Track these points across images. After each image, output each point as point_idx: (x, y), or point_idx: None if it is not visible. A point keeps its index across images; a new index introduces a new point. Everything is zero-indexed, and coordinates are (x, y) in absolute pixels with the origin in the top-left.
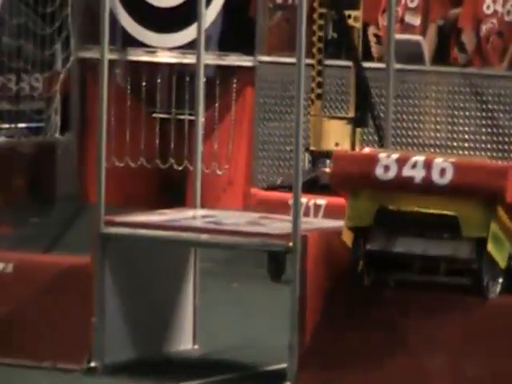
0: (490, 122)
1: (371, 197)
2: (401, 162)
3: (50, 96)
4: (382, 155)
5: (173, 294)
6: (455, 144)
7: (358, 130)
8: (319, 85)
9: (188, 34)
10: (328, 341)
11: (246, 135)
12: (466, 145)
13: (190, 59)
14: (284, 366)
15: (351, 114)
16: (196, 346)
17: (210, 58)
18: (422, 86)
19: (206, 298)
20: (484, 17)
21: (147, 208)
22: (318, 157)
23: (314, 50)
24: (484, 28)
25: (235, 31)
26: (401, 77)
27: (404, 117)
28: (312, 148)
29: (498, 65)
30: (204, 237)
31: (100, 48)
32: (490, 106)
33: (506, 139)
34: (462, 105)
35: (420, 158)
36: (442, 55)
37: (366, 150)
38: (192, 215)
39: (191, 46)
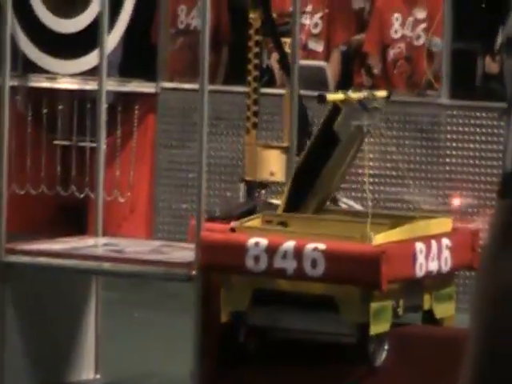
0: (396, 149)
1: (244, 282)
2: (270, 252)
3: None
4: (251, 243)
5: (75, 323)
6: (360, 171)
7: (295, 158)
8: (255, 114)
9: (89, 60)
10: (231, 371)
11: (147, 162)
12: (372, 172)
13: (91, 85)
14: None
15: (286, 143)
16: (98, 376)
17: (112, 84)
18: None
19: (108, 327)
20: (391, 41)
21: (48, 235)
22: (254, 187)
23: (250, 78)
24: (391, 53)
25: (136, 57)
26: (306, 103)
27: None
28: (247, 178)
29: (403, 90)
30: (106, 265)
31: (1, 74)
32: (395, 133)
33: (412, 166)
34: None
35: (290, 247)
36: (346, 81)
37: (234, 224)
38: (94, 243)
39: (92, 73)
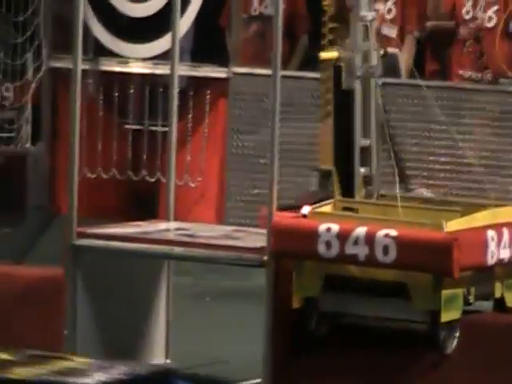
0: (467, 137)
1: (316, 268)
2: (342, 238)
3: (21, 106)
4: (322, 228)
5: (145, 307)
6: (431, 158)
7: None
8: (328, 102)
9: (161, 44)
10: (302, 356)
11: (219, 147)
12: (443, 159)
13: (162, 70)
14: (258, 381)
15: None
16: (168, 361)
17: (184, 69)
18: (398, 99)
19: (178, 312)
20: (462, 21)
21: (119, 220)
22: (327, 176)
23: (323, 66)
24: (461, 32)
25: (207, 42)
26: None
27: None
28: (321, 167)
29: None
30: (178, 249)
31: (73, 58)
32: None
33: (484, 153)
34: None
35: (361, 232)
36: (418, 68)
37: (305, 209)
38: (165, 227)
39: (164, 57)
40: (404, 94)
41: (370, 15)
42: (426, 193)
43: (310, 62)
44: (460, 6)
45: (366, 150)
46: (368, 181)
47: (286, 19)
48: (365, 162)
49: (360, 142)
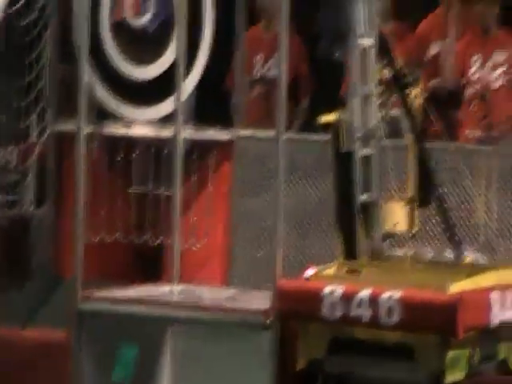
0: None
1: (321, 330)
2: (346, 300)
3: (25, 168)
4: (327, 291)
5: (150, 371)
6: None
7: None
8: None
9: (165, 106)
10: None
11: (223, 209)
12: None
13: (167, 133)
14: None
15: (410, 194)
16: None
17: (188, 132)
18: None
19: (183, 376)
20: (469, 82)
21: (122, 283)
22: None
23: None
24: (467, 93)
25: (211, 104)
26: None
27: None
28: None
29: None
30: (182, 313)
31: (77, 121)
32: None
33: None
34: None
35: (365, 295)
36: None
37: (309, 272)
38: (169, 290)
39: (168, 119)
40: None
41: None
42: (480, 259)
43: (311, 124)
44: (467, 67)
45: (368, 211)
46: (370, 242)
47: (289, 81)
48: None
49: (359, 203)
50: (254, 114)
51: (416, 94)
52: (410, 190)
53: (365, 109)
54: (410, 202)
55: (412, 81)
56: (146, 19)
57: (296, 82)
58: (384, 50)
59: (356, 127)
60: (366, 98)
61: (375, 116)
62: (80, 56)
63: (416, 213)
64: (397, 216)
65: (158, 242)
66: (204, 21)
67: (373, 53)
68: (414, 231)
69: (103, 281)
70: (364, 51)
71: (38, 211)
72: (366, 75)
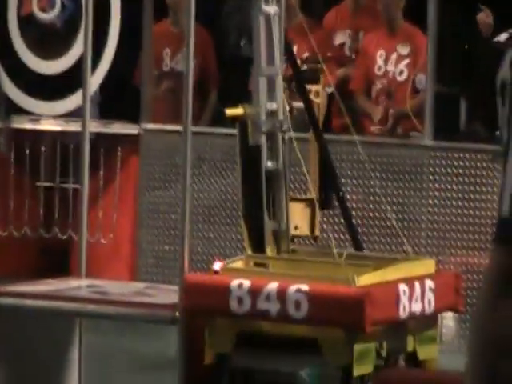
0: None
1: (228, 324)
2: (254, 294)
3: None
4: (234, 285)
5: (59, 365)
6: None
7: (319, 212)
8: None
9: (72, 101)
10: None
11: (130, 204)
12: (354, 213)
13: (74, 127)
14: None
15: (312, 196)
16: None
17: (95, 126)
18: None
19: (91, 370)
20: (375, 78)
21: (30, 278)
22: None
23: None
24: (375, 89)
25: (118, 98)
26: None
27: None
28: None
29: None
30: (90, 307)
31: None
32: (378, 175)
33: (395, 207)
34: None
35: (273, 288)
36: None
37: (217, 265)
38: (77, 285)
39: (75, 114)
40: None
41: (272, 69)
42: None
43: (220, 117)
44: (372, 63)
45: (275, 205)
46: (276, 236)
47: (197, 75)
48: (274, 216)
49: (266, 196)
50: (163, 108)
51: (316, 91)
52: (312, 190)
53: (271, 96)
54: (311, 203)
55: (313, 77)
56: (53, 13)
57: (204, 76)
58: (285, 46)
59: (263, 120)
60: (273, 81)
61: (282, 108)
62: None
63: (317, 215)
64: (297, 218)
65: (66, 236)
66: (111, 15)
67: (278, 22)
68: (315, 234)
69: (11, 276)
70: (268, 19)
71: None
72: (271, 50)
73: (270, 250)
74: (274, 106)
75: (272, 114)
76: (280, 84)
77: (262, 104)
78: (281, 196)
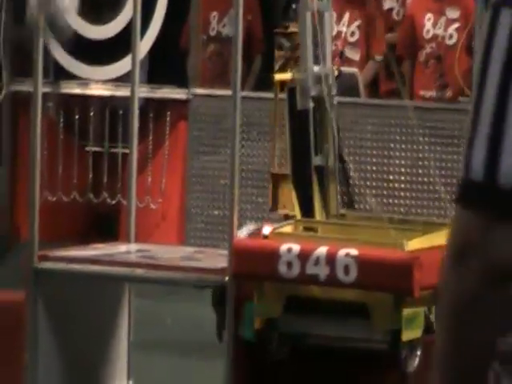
0: (429, 155)
1: (277, 289)
2: (303, 258)
3: None
4: (283, 249)
5: (108, 330)
6: (391, 177)
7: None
8: None
9: (121, 66)
10: (263, 378)
11: (179, 169)
12: (403, 178)
13: (122, 92)
14: None
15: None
16: (131, 382)
17: (144, 91)
18: (358, 119)
19: (141, 335)
20: (423, 42)
21: (79, 243)
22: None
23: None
24: (424, 53)
25: (166, 63)
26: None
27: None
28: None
29: (433, 90)
30: (139, 271)
31: (33, 81)
32: (427, 139)
33: (444, 172)
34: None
35: (322, 253)
36: (375, 87)
37: (266, 230)
38: (126, 250)
39: (124, 79)
40: (363, 113)
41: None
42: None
43: (264, 83)
44: (420, 26)
45: (323, 170)
46: (325, 200)
47: (243, 40)
48: (322, 181)
49: (315, 161)
50: (209, 72)
51: None
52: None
53: (319, 65)
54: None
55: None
56: None
57: (249, 41)
58: None
59: (311, 86)
60: (321, 54)
61: (330, 72)
62: (37, 15)
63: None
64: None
65: (115, 201)
66: None
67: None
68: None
69: (60, 241)
70: None
71: None
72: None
73: (319, 215)
74: (320, 70)
75: (320, 79)
76: (329, 49)
77: (309, 69)
78: (330, 161)
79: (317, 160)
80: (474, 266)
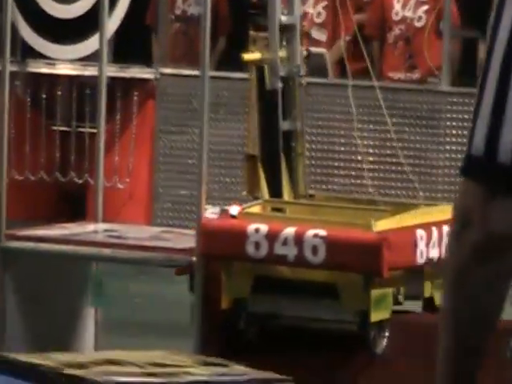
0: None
1: (245, 269)
2: (271, 238)
3: None
4: (251, 229)
5: (75, 309)
6: (359, 158)
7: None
8: None
9: (88, 45)
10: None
11: (147, 148)
12: (371, 159)
13: (90, 71)
14: None
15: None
16: None
17: (112, 71)
18: (325, 99)
19: (107, 314)
20: (392, 23)
21: (47, 221)
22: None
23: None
24: (392, 34)
25: (132, 41)
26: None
27: (313, 130)
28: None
29: (402, 72)
30: (106, 251)
31: (1, 60)
32: (395, 120)
33: (412, 153)
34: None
35: (290, 233)
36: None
37: (234, 210)
38: (93, 229)
39: (91, 58)
40: (331, 93)
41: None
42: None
43: (228, 62)
44: (389, 8)
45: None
46: (293, 181)
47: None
48: (290, 162)
49: (284, 126)
50: (174, 51)
51: None
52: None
53: (288, 44)
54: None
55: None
56: None
57: (215, 20)
58: None
59: (279, 65)
60: (290, 30)
61: (298, 52)
62: None
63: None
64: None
65: (82, 180)
66: None
67: None
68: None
69: (27, 220)
70: None
71: None
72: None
73: (287, 195)
74: (291, 48)
75: (288, 59)
76: (297, 30)
77: (276, 49)
78: (296, 142)
79: (285, 125)
80: (471, 237)
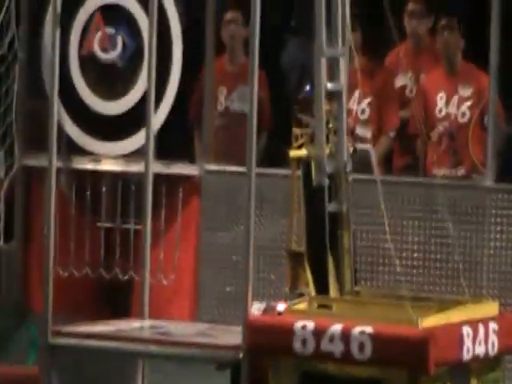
0: (439, 232)
1: (292, 365)
2: (318, 335)
3: None
4: (298, 326)
5: None
6: (404, 254)
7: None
8: None
9: (133, 141)
10: None
11: (192, 244)
12: (416, 255)
13: (135, 167)
14: None
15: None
16: None
17: (157, 167)
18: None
19: None
20: (436, 121)
21: (90, 318)
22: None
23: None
24: (436, 132)
25: (175, 137)
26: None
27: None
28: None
29: (446, 167)
30: (153, 348)
31: (47, 155)
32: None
33: (457, 249)
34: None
35: (337, 330)
36: (388, 163)
37: (280, 307)
38: (139, 326)
39: (134, 154)
40: (375, 189)
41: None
42: None
43: (269, 158)
44: (432, 105)
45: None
46: (339, 277)
47: None
48: (336, 259)
49: (330, 208)
50: (216, 147)
51: None
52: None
53: (335, 142)
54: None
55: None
56: (115, 53)
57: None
58: None
59: (326, 162)
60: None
61: (345, 150)
62: (49, 91)
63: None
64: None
65: (127, 277)
66: (172, 54)
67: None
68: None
69: (72, 316)
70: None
71: (6, 246)
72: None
73: (333, 292)
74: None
75: (334, 156)
76: (344, 125)
77: (323, 145)
78: (344, 237)
79: (331, 207)
80: None
